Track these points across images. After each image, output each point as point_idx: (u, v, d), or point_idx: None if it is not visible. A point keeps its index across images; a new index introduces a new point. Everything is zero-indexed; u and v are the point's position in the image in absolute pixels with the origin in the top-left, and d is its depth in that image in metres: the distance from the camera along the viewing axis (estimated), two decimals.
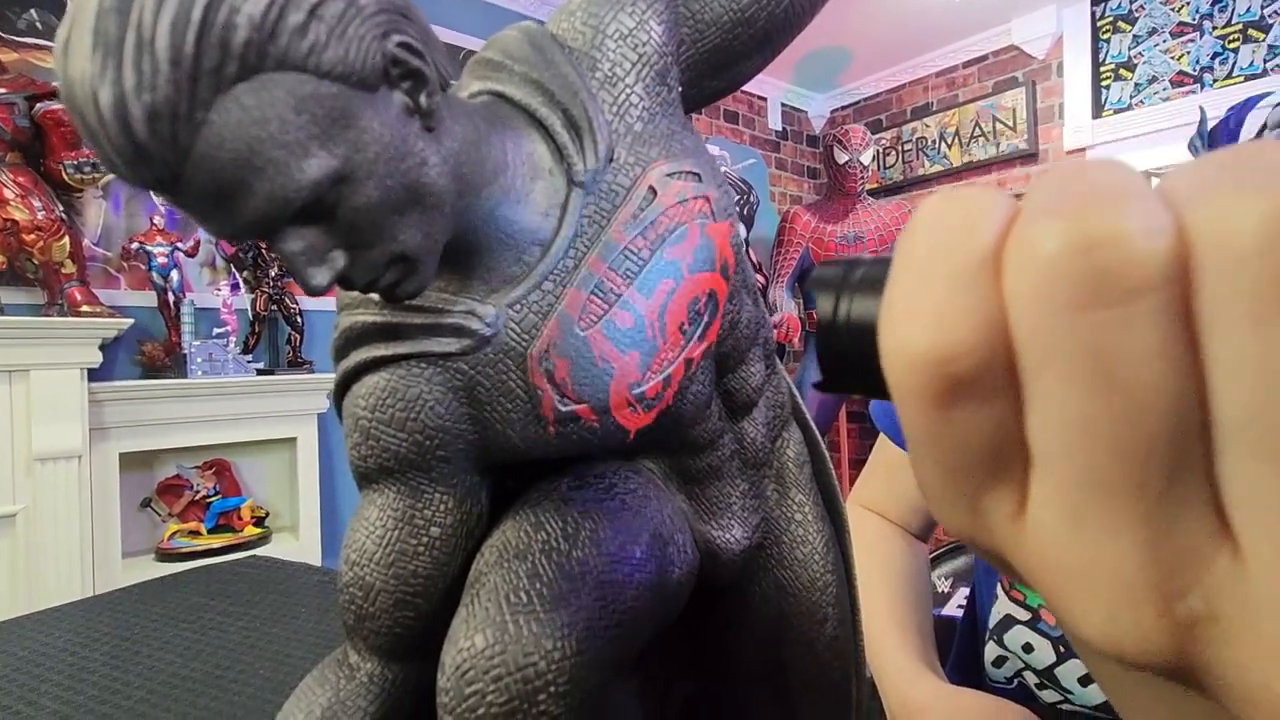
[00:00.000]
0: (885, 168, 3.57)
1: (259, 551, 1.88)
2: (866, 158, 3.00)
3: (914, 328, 0.11)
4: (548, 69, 0.29)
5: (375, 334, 0.29)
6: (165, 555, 1.90)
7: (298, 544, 2.10)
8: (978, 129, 3.21)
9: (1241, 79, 2.53)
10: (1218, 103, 2.25)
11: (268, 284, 2.11)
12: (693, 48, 0.32)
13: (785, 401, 0.41)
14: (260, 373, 2.06)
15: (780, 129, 3.72)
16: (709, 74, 0.33)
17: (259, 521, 2.10)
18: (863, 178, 3.03)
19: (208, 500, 2.02)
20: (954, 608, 1.53)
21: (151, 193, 0.21)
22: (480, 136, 0.26)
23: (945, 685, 0.53)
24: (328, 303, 2.30)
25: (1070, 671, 0.60)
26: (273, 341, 2.21)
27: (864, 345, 0.13)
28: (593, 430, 0.31)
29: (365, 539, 0.29)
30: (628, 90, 0.30)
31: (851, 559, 0.43)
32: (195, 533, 1.97)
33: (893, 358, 0.12)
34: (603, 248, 0.29)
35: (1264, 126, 2.08)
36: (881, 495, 0.73)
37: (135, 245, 1.91)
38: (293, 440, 2.14)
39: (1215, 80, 2.60)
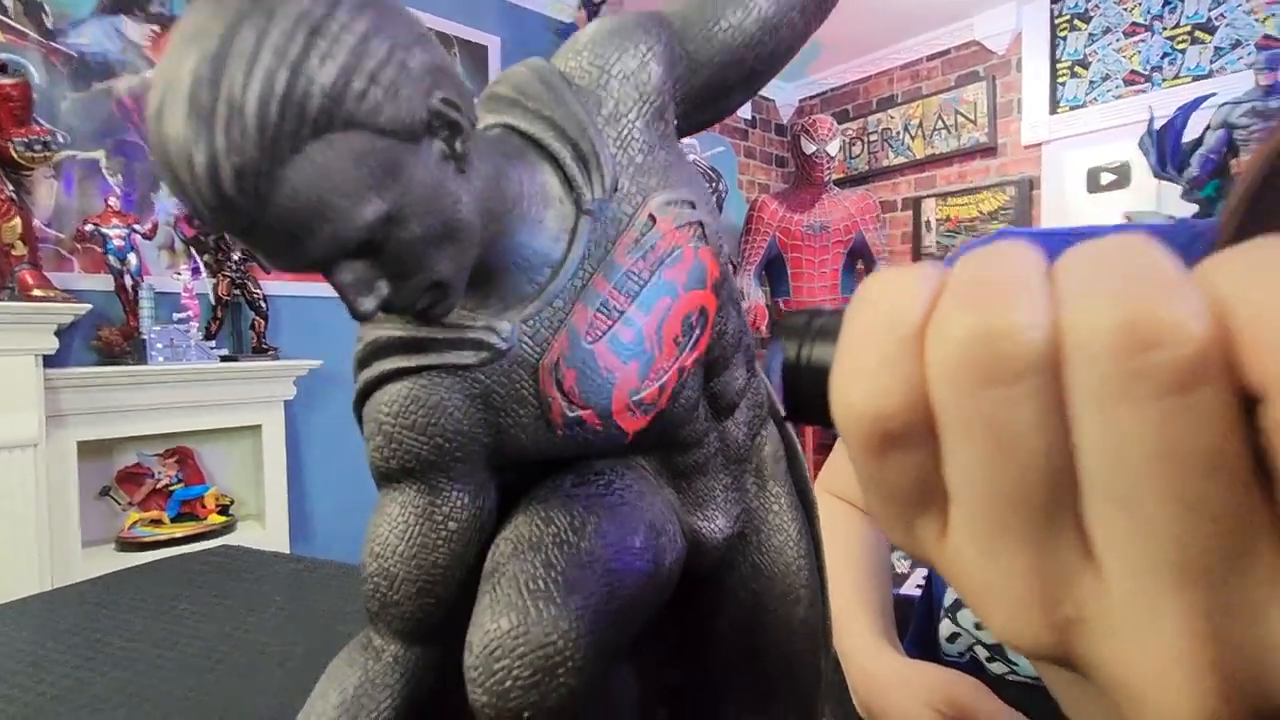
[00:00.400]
0: (851, 158, 3.64)
1: (224, 540, 1.86)
2: (833, 148, 3.06)
3: (855, 391, 0.14)
4: (559, 106, 0.31)
5: (399, 347, 0.31)
6: (126, 544, 1.87)
7: (264, 532, 2.08)
8: (940, 121, 3.29)
9: (1189, 79, 2.63)
10: (1166, 102, 2.35)
11: (230, 268, 2.05)
12: (687, 85, 0.35)
13: (764, 402, 0.45)
14: (224, 359, 2.02)
15: (749, 117, 3.75)
16: (699, 107, 0.36)
17: (223, 510, 2.07)
18: (829, 167, 3.08)
19: (170, 489, 1.99)
20: (912, 587, 1.61)
21: (231, 236, 0.23)
22: (500, 171, 0.29)
23: (904, 659, 0.58)
24: (293, 288, 2.26)
25: None
26: (236, 327, 2.16)
27: (822, 384, 0.16)
28: (595, 433, 0.34)
29: (388, 533, 0.32)
30: (630, 126, 0.32)
31: (821, 544, 0.47)
32: (157, 521, 1.93)
33: (840, 412, 0.15)
34: (607, 269, 0.32)
35: (1208, 126, 2.18)
36: (846, 481, 0.77)
37: (90, 227, 1.84)
38: (258, 428, 2.11)
39: (1164, 80, 2.70)
